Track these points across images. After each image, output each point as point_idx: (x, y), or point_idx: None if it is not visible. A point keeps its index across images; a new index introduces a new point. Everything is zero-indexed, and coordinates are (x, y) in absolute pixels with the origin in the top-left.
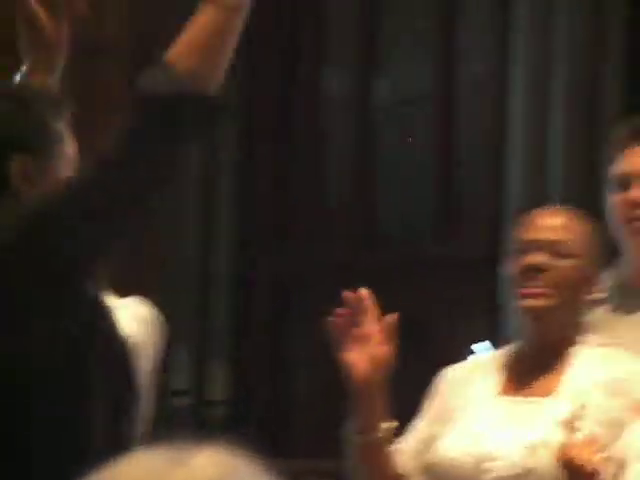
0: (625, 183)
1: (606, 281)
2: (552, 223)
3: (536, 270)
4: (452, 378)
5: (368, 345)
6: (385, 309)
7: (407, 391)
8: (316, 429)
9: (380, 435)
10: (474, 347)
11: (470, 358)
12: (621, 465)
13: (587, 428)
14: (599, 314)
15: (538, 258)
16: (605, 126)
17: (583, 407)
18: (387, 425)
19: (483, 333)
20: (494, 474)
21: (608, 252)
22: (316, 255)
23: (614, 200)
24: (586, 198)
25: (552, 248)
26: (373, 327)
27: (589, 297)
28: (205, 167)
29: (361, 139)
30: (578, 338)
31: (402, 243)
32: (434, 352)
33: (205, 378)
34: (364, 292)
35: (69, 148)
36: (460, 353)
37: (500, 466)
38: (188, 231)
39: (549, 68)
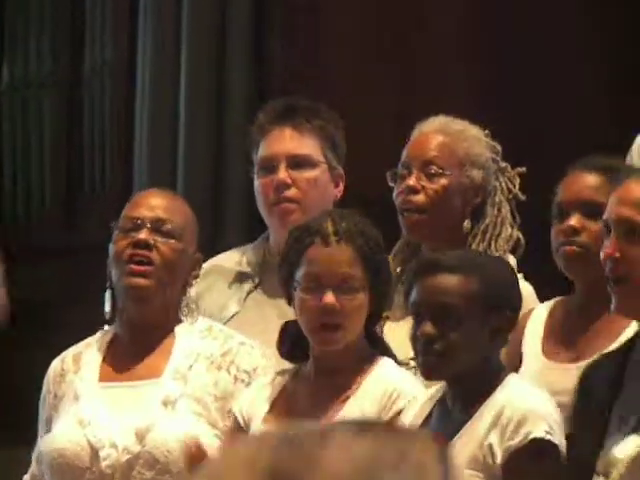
0: (270, 166)
1: (250, 258)
2: (154, 202)
3: (143, 246)
4: (55, 370)
5: None
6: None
7: (31, 377)
8: None
9: None
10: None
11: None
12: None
13: (188, 406)
14: (246, 288)
15: (142, 235)
16: (232, 111)
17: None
18: None
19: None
20: (107, 462)
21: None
22: None
23: (260, 183)
24: (212, 184)
25: (154, 226)
26: None
27: (192, 277)
28: None
29: None
30: (181, 317)
31: (27, 229)
32: (57, 338)
33: None
34: None
35: None
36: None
37: (113, 453)
38: None
39: (177, 55)
